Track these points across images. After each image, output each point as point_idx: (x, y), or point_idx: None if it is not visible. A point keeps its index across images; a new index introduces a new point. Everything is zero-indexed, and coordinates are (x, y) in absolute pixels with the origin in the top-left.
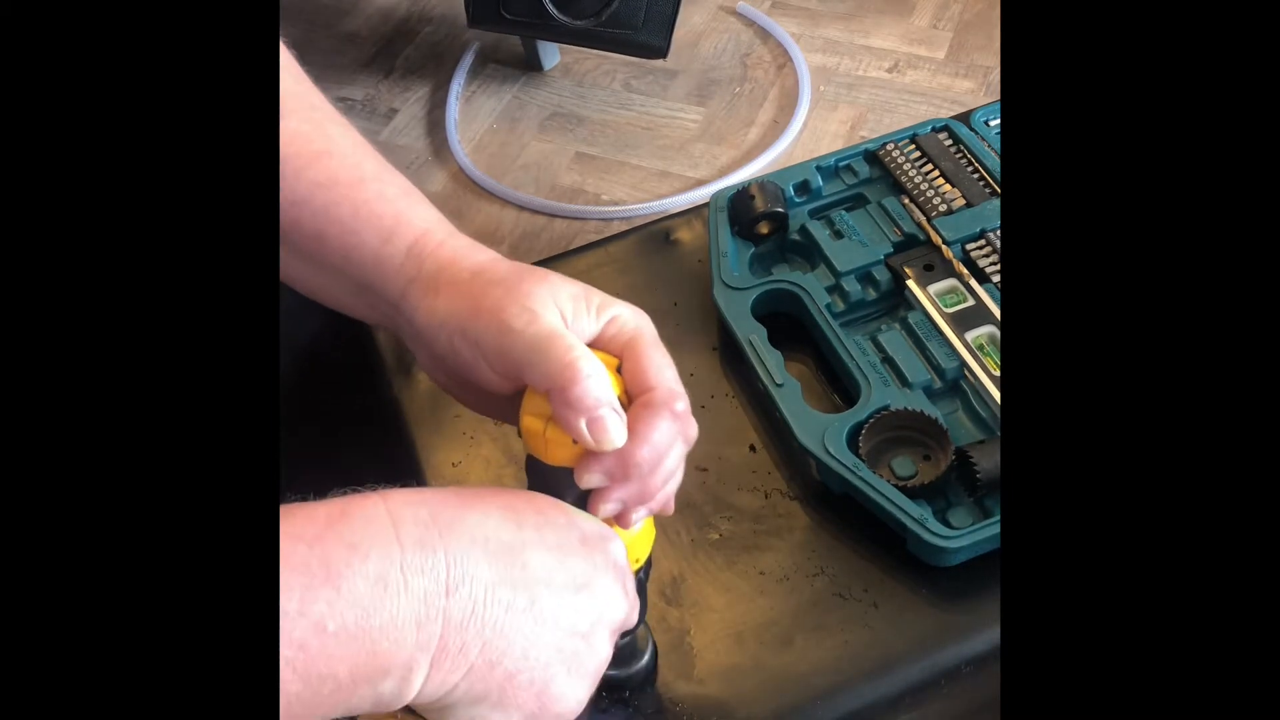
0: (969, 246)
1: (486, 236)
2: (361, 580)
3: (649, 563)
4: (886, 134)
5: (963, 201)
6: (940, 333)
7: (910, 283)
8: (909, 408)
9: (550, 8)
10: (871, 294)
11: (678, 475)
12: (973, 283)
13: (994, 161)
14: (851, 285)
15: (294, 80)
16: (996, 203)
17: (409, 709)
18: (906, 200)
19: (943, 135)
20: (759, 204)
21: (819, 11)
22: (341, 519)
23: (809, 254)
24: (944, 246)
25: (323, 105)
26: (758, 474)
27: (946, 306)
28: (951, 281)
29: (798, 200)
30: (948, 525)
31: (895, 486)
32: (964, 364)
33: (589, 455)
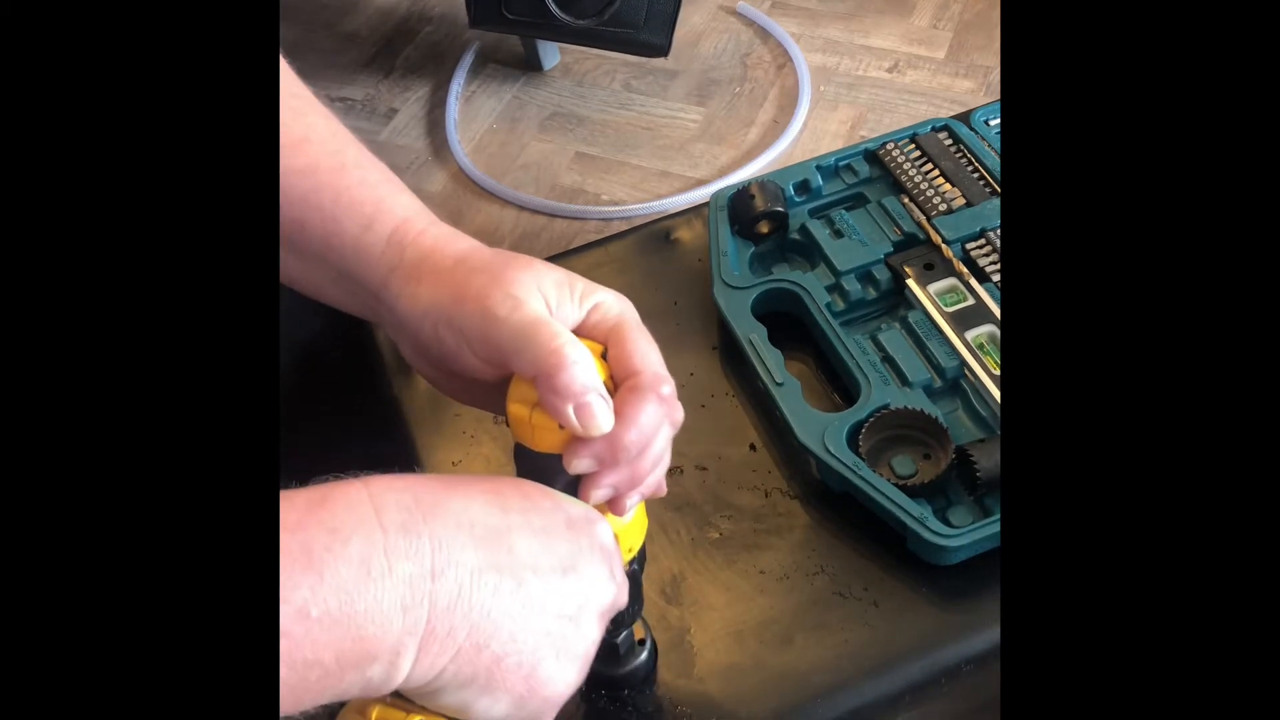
0: (969, 246)
1: (486, 236)
2: (344, 565)
3: (643, 554)
4: (886, 133)
5: (963, 201)
6: (940, 332)
7: (910, 282)
8: (909, 407)
9: (552, 7)
10: (871, 293)
11: (665, 459)
12: (973, 282)
13: (994, 161)
14: (851, 284)
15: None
16: (996, 202)
17: (397, 694)
18: (906, 200)
19: (943, 135)
20: (759, 203)
21: (819, 11)
22: (322, 505)
23: (809, 253)
24: (944, 246)
25: (304, 94)
26: (758, 473)
27: (946, 306)
28: (951, 281)
29: (798, 200)
30: (948, 524)
31: (895, 485)
32: (964, 363)
33: (577, 440)
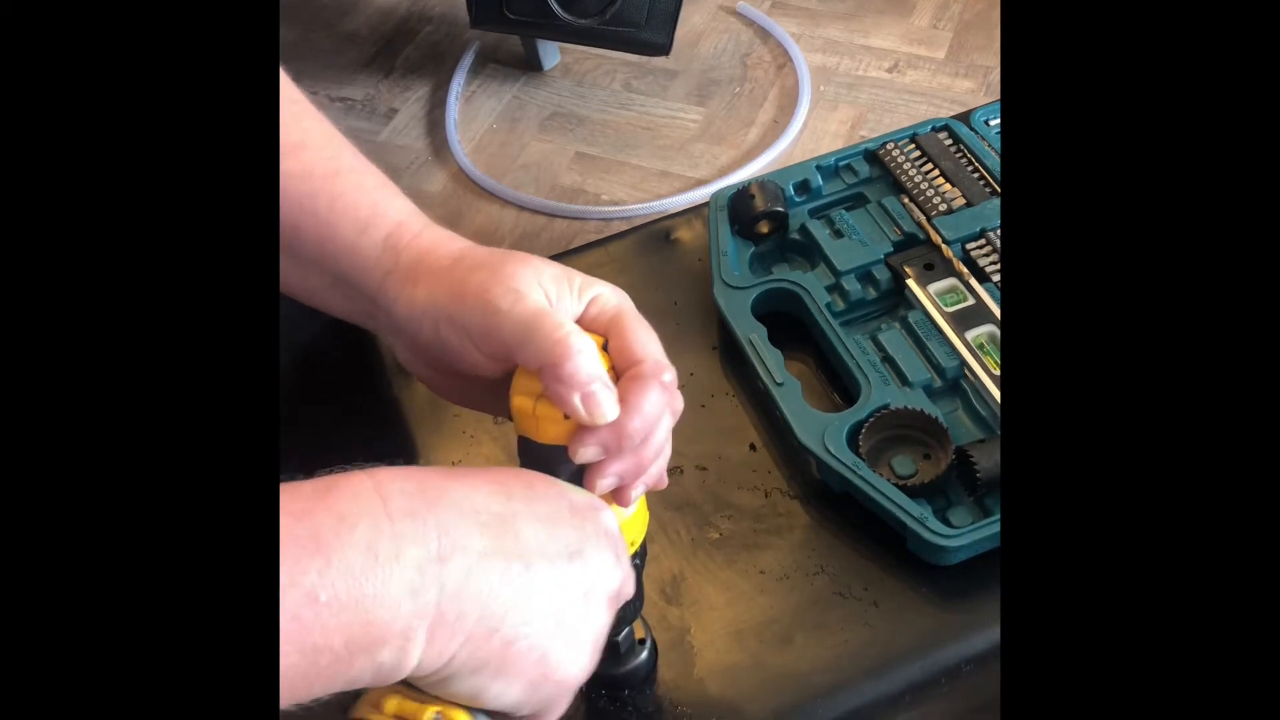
0: (969, 246)
1: (486, 236)
2: (351, 550)
3: (644, 550)
4: (886, 133)
5: (963, 201)
6: (940, 332)
7: (910, 282)
8: (909, 407)
9: (554, 6)
10: (871, 293)
11: (667, 449)
12: (973, 282)
13: (994, 161)
14: (851, 284)
15: None
16: (996, 202)
17: (408, 684)
18: (906, 200)
19: (943, 135)
20: (759, 203)
21: (819, 11)
22: (328, 493)
23: (809, 253)
24: (944, 246)
25: (299, 98)
26: (758, 473)
27: (946, 305)
28: (951, 281)
29: (798, 200)
30: (948, 524)
31: (895, 485)
32: (964, 363)
33: (582, 430)
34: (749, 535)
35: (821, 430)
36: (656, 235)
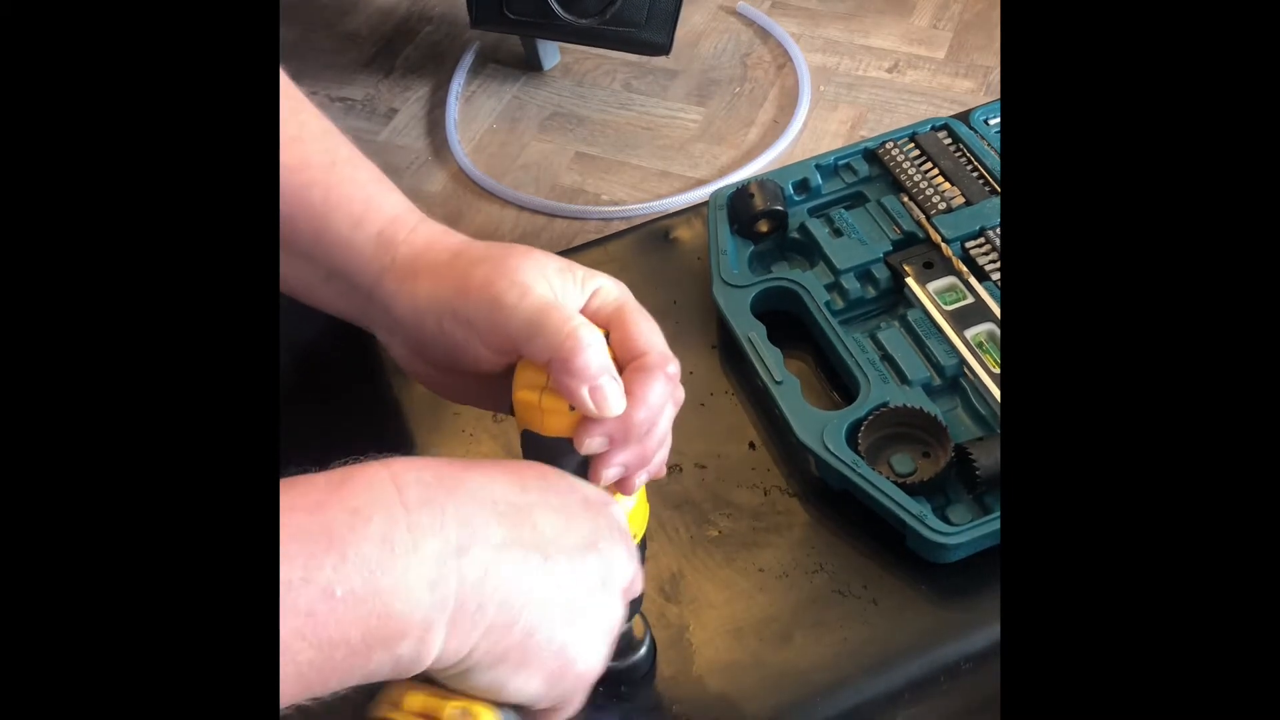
0: (968, 244)
1: (486, 236)
2: (366, 544)
3: (644, 544)
4: (886, 133)
5: (962, 200)
6: (939, 330)
7: (909, 280)
8: (908, 405)
9: (554, 6)
10: (871, 292)
11: (668, 439)
12: (972, 280)
13: (993, 160)
14: (851, 283)
15: None
16: (995, 201)
17: (428, 679)
18: (906, 198)
19: (942, 134)
20: (758, 202)
21: (819, 11)
22: (342, 485)
23: (808, 252)
24: (943, 244)
25: (297, 96)
26: (757, 471)
27: (946, 304)
28: (951, 279)
29: (797, 199)
30: (947, 522)
31: (894, 483)
32: (963, 361)
33: (588, 422)
34: (748, 533)
35: (821, 428)
36: (656, 235)
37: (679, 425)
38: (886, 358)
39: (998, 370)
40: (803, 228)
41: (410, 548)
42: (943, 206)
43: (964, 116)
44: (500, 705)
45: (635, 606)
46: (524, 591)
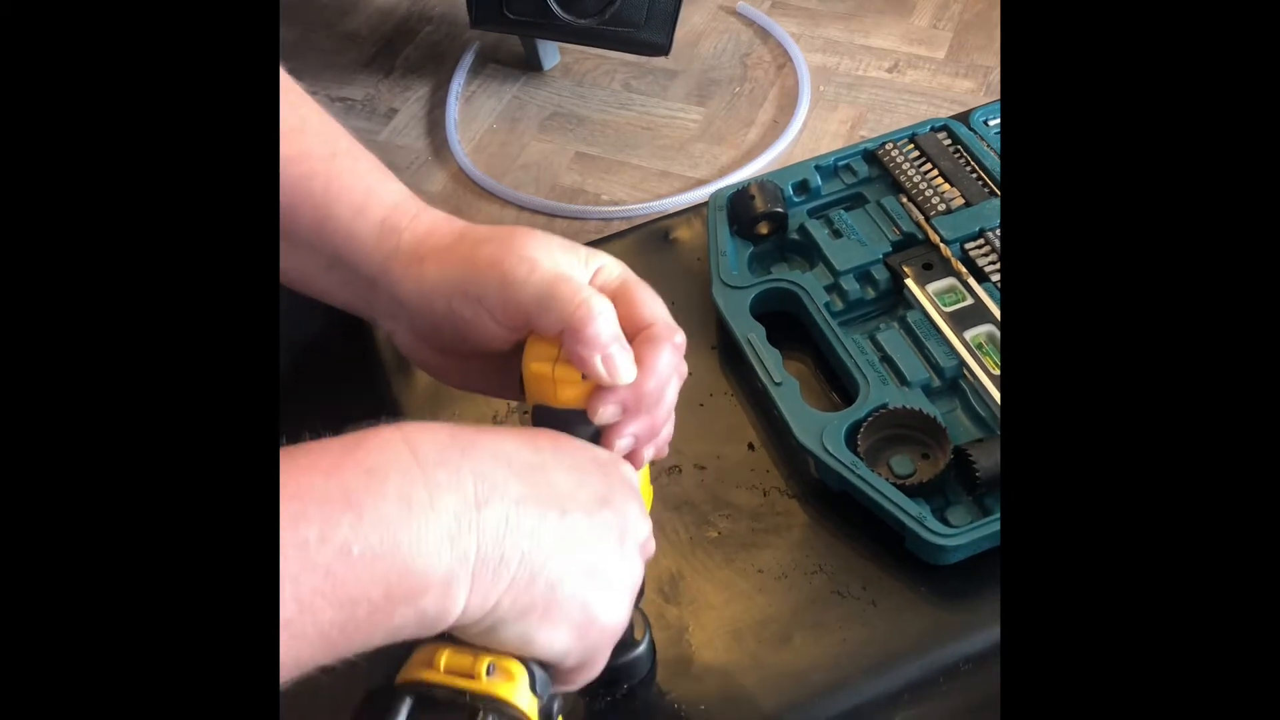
0: (968, 246)
1: None
2: (383, 502)
3: None
4: (885, 134)
5: (961, 201)
6: (939, 331)
7: (909, 282)
8: (907, 406)
9: (554, 6)
10: (870, 293)
11: (673, 414)
12: (971, 282)
13: (993, 161)
14: (850, 284)
15: None
16: (995, 202)
17: (452, 637)
18: (905, 200)
19: (941, 135)
20: (758, 203)
21: (819, 11)
22: (357, 448)
23: (808, 253)
24: (943, 245)
25: (295, 89)
26: (756, 472)
27: (945, 305)
28: (950, 280)
29: (797, 200)
30: (946, 523)
31: (894, 485)
32: (962, 363)
33: (601, 391)
34: (747, 534)
35: (820, 430)
36: (656, 235)
37: (679, 426)
38: (886, 359)
39: (997, 372)
40: (802, 229)
41: (427, 504)
42: (942, 208)
43: (964, 117)
44: (530, 661)
45: (635, 602)
46: (545, 545)
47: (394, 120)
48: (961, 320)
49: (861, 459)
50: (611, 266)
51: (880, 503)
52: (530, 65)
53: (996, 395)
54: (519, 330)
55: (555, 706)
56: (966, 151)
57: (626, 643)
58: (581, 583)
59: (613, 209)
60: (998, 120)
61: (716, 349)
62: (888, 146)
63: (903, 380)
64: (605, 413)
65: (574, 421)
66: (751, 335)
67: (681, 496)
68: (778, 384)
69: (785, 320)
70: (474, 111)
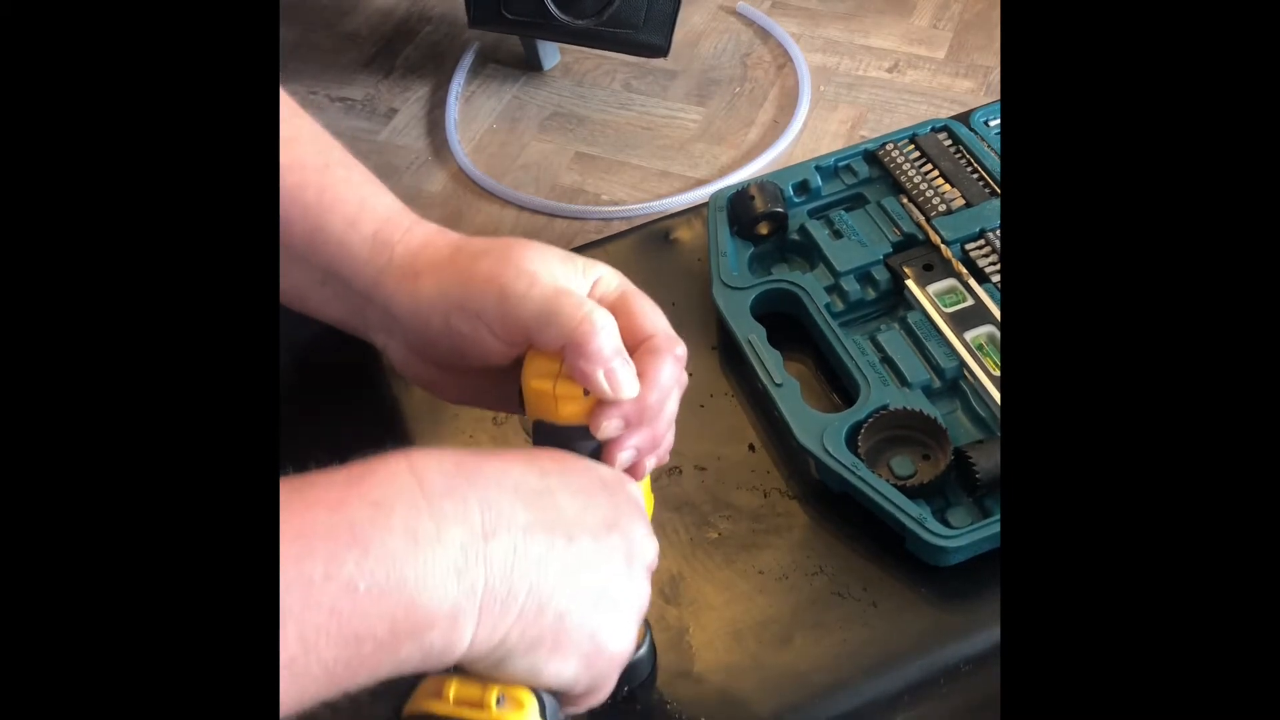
0: (968, 246)
1: (486, 236)
2: (389, 536)
3: None
4: (886, 134)
5: (962, 201)
6: (939, 332)
7: (909, 282)
8: (908, 407)
9: (551, 7)
10: (871, 294)
11: (674, 424)
12: (972, 282)
13: (993, 161)
14: (851, 285)
15: None
16: (996, 203)
17: (461, 669)
18: (906, 200)
19: (942, 135)
20: (759, 204)
21: (819, 11)
22: (362, 479)
23: (808, 254)
24: (943, 246)
25: (288, 101)
26: (757, 473)
27: (946, 306)
28: (951, 281)
29: (797, 200)
30: (946, 525)
31: (894, 486)
32: (963, 364)
33: (603, 405)
34: (748, 535)
35: (820, 431)
36: (656, 235)
37: (679, 427)
38: (886, 360)
39: (997, 373)
40: (803, 229)
41: (434, 537)
42: (943, 208)
43: (964, 118)
44: (539, 691)
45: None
46: (553, 575)
47: (394, 120)
48: (962, 321)
49: (862, 460)
50: (609, 277)
51: (881, 504)
52: (530, 65)
53: (997, 396)
54: (518, 346)
55: None
56: (967, 152)
57: None
58: (589, 611)
59: (613, 209)
60: (998, 120)
61: (717, 350)
62: (888, 147)
63: (903, 381)
64: (608, 428)
65: (576, 437)
66: (752, 336)
67: (682, 497)
68: (778, 385)
69: (786, 321)
70: (474, 111)
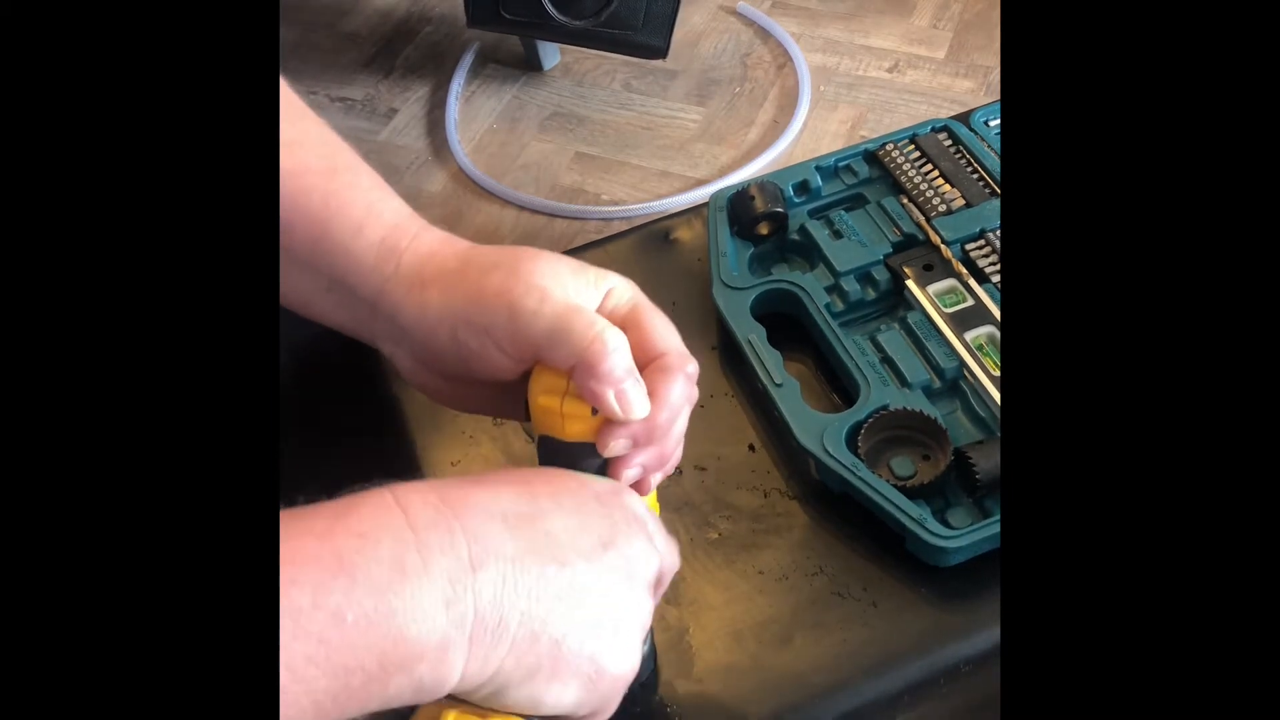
0: (968, 246)
1: (487, 236)
2: (376, 566)
3: None
4: (886, 134)
5: (962, 202)
6: (939, 333)
7: (909, 283)
8: (908, 407)
9: (549, 8)
10: (871, 294)
11: (682, 441)
12: (972, 283)
13: (993, 161)
14: (851, 285)
15: None
16: (996, 203)
17: (456, 699)
18: (906, 200)
19: (942, 135)
20: (759, 204)
21: (819, 11)
22: (348, 513)
23: (808, 254)
24: (943, 246)
25: (295, 100)
26: (757, 473)
27: (946, 306)
28: (951, 281)
29: (797, 200)
30: (946, 525)
31: (894, 486)
32: (963, 364)
33: (611, 425)
34: (748, 535)
35: (820, 431)
36: (656, 235)
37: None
38: (886, 360)
39: (997, 373)
40: (803, 229)
41: (420, 569)
42: (943, 208)
43: (964, 118)
44: (536, 718)
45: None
46: (545, 601)
47: (394, 120)
48: (962, 321)
49: (862, 460)
50: (622, 289)
51: (881, 504)
52: (530, 65)
53: (997, 397)
54: (527, 362)
55: None
56: (967, 152)
57: None
58: (587, 636)
59: (613, 209)
60: (998, 120)
61: (717, 350)
62: (888, 147)
63: (903, 381)
64: (616, 446)
65: (582, 455)
66: (752, 336)
67: (682, 497)
68: (778, 385)
69: (786, 321)
70: (474, 111)
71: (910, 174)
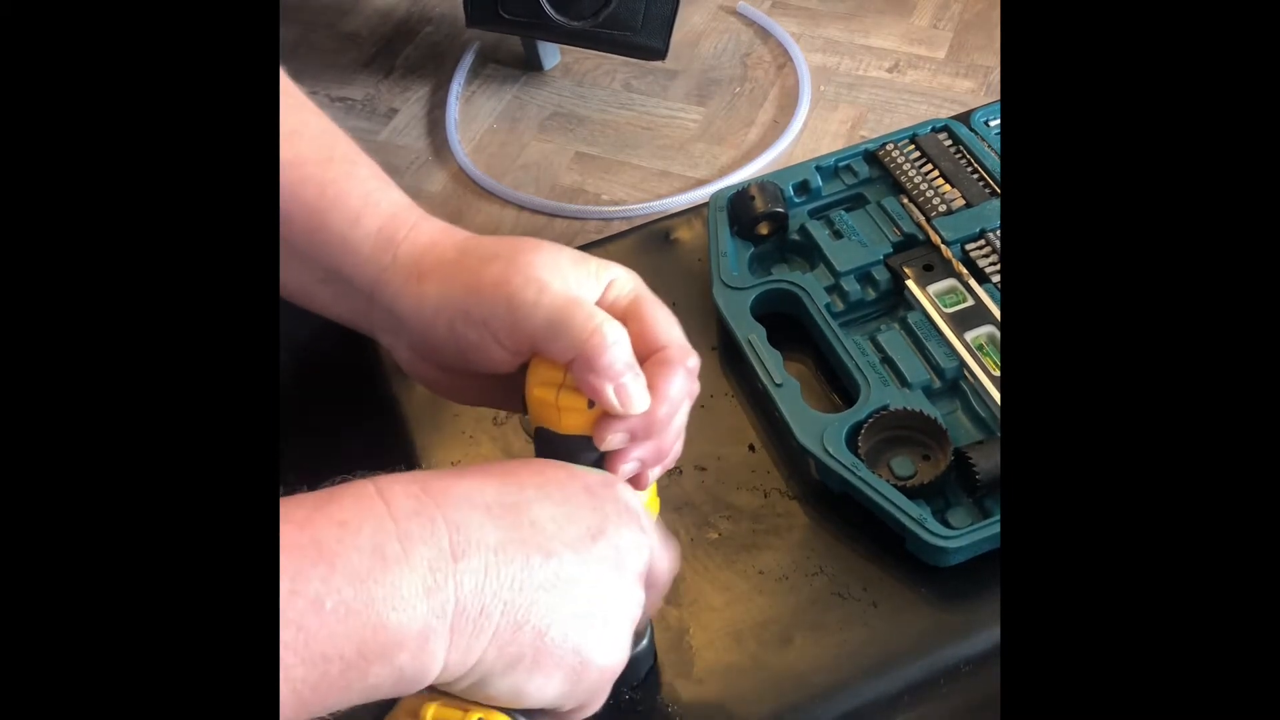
0: (968, 246)
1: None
2: (356, 554)
3: None
4: (886, 134)
5: (962, 202)
6: (939, 333)
7: (909, 283)
8: (908, 408)
9: (547, 8)
10: (871, 294)
11: (683, 434)
12: (972, 283)
13: (993, 161)
14: (851, 285)
15: None
16: (996, 203)
17: (438, 690)
18: (906, 200)
19: (942, 135)
20: (759, 204)
21: (819, 11)
22: (330, 501)
23: (808, 254)
24: (943, 246)
25: (295, 93)
26: (757, 473)
27: (946, 306)
28: (951, 281)
29: (797, 200)
30: (947, 525)
31: (894, 486)
32: (963, 364)
33: (609, 418)
34: (748, 536)
35: (820, 431)
36: (656, 235)
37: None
38: (886, 360)
39: (997, 373)
40: (803, 229)
41: (401, 557)
42: (943, 208)
43: (964, 118)
44: (518, 712)
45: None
46: (529, 592)
47: (394, 120)
48: (962, 321)
49: (862, 460)
50: (624, 279)
51: (881, 504)
52: (530, 65)
53: (997, 397)
54: (525, 354)
55: None
56: (967, 152)
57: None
58: (572, 627)
59: (613, 209)
60: (998, 120)
61: (717, 350)
62: (888, 147)
63: (903, 381)
64: (613, 440)
65: (578, 448)
66: (752, 336)
67: (682, 498)
68: (778, 385)
69: (786, 321)
70: (474, 111)
71: (910, 174)
